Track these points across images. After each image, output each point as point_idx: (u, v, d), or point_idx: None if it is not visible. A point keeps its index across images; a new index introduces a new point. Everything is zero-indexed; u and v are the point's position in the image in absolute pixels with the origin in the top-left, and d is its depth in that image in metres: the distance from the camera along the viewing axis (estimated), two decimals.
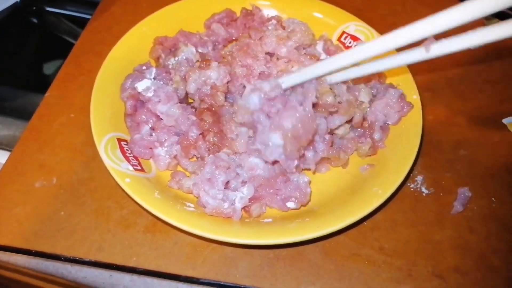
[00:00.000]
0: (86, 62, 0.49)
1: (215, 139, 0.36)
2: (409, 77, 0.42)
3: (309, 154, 0.35)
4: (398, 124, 0.41)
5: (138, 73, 0.40)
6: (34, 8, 0.65)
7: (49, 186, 0.39)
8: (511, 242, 0.38)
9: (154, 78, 0.40)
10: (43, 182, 0.40)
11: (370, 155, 0.40)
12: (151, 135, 0.38)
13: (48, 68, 0.67)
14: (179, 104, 0.38)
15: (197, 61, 0.41)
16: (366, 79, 0.41)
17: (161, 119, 0.38)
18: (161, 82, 0.39)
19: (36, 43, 0.67)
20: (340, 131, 0.38)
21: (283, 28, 0.43)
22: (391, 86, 0.41)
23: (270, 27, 0.43)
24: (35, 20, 0.66)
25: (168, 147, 0.37)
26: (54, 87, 0.47)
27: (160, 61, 0.43)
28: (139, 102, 0.39)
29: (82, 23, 0.55)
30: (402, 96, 0.40)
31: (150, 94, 0.38)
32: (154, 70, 0.40)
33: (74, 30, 0.65)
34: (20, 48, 0.65)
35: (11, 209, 0.38)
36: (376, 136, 0.40)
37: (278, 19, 0.45)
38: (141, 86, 0.38)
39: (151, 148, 0.37)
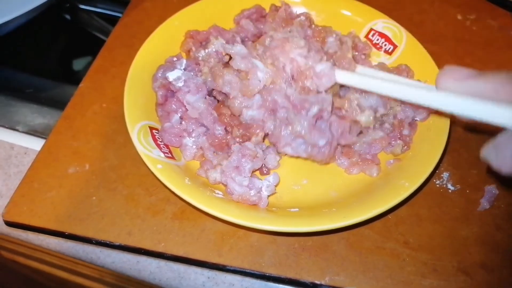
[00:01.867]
0: (118, 55, 0.50)
1: (241, 131, 0.36)
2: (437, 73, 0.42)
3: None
4: (426, 120, 0.41)
5: (170, 64, 0.41)
6: (68, 5, 0.68)
7: (82, 172, 0.41)
8: None
9: (185, 69, 0.41)
10: (76, 168, 0.41)
11: (404, 153, 0.40)
12: (180, 123, 0.39)
13: (77, 64, 0.70)
14: (207, 97, 0.39)
15: (226, 54, 0.42)
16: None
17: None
18: (191, 73, 0.40)
19: (68, 39, 0.69)
20: (363, 118, 0.37)
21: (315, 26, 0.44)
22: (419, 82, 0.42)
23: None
24: (68, 17, 0.69)
25: (195, 138, 0.38)
26: (87, 78, 0.48)
27: (190, 54, 0.44)
28: (170, 92, 0.40)
29: (112, 21, 0.57)
30: None
31: (180, 84, 0.39)
32: (184, 61, 0.41)
33: (104, 27, 0.67)
34: (53, 43, 0.68)
35: (46, 193, 0.40)
36: (405, 132, 0.40)
37: (307, 16, 0.46)
38: (172, 75, 0.39)
39: (180, 136, 0.38)
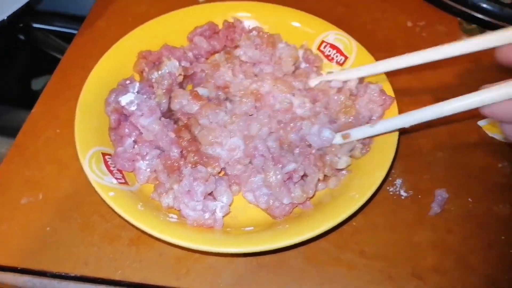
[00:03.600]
0: (72, 76, 0.49)
1: (195, 158, 0.36)
2: (385, 80, 0.43)
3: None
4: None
5: (122, 88, 0.41)
6: (21, 25, 0.66)
7: (35, 202, 0.40)
8: (488, 240, 0.39)
9: (138, 92, 0.41)
10: (29, 198, 0.40)
11: (365, 154, 0.41)
12: (133, 147, 0.39)
13: (36, 84, 0.68)
14: (161, 119, 0.39)
15: (180, 74, 0.42)
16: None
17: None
18: (144, 96, 0.40)
19: (24, 60, 0.67)
20: (341, 165, 0.39)
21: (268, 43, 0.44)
22: (370, 83, 0.42)
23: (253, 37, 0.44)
24: (22, 37, 0.67)
25: (149, 161, 0.38)
26: (40, 103, 0.47)
27: (143, 74, 0.44)
28: (123, 116, 0.40)
29: (70, 39, 0.56)
30: (382, 90, 0.41)
31: (133, 107, 0.39)
32: (137, 84, 0.41)
33: (61, 46, 0.66)
34: (8, 64, 0.66)
35: None
36: None
37: (259, 30, 0.46)
38: (124, 100, 0.39)
39: (133, 160, 0.38)
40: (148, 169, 0.38)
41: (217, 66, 0.42)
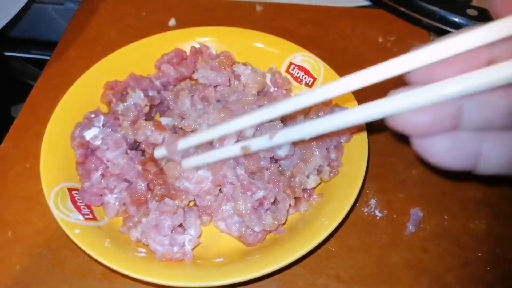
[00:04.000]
0: (41, 109, 0.49)
1: (162, 190, 0.36)
2: (354, 102, 0.43)
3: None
4: (350, 141, 0.41)
5: (87, 121, 0.40)
6: None
7: (3, 240, 0.39)
8: (464, 258, 0.39)
9: (103, 126, 0.40)
10: None
11: (333, 177, 0.40)
12: (101, 181, 0.38)
13: (15, 111, 0.67)
14: (127, 152, 0.38)
15: (146, 105, 0.42)
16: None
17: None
18: (109, 130, 0.40)
19: (1, 88, 0.67)
20: (311, 184, 0.39)
21: (234, 73, 0.44)
22: (337, 105, 0.42)
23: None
24: None
25: (117, 194, 0.38)
26: (9, 137, 0.47)
27: (111, 105, 0.44)
28: (89, 150, 0.40)
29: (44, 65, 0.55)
30: None
31: (98, 142, 0.39)
32: (102, 117, 0.40)
33: (38, 73, 0.65)
34: None
35: None
36: (332, 156, 0.40)
37: (227, 55, 0.46)
38: (89, 134, 0.39)
39: (101, 195, 0.38)
40: (117, 203, 0.38)
41: (177, 95, 0.41)
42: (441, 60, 0.22)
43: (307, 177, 0.38)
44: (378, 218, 0.41)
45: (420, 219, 0.41)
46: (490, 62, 0.21)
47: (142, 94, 0.41)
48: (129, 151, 0.39)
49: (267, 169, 0.37)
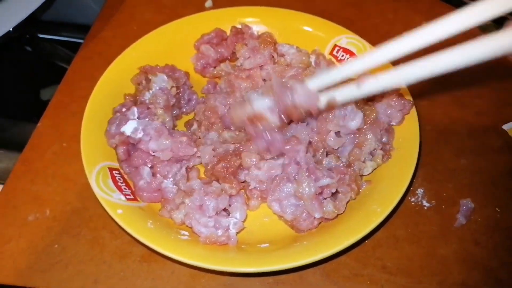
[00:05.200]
0: (78, 88, 0.48)
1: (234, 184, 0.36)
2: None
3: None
4: (401, 124, 0.40)
5: (121, 116, 0.38)
6: (27, 36, 0.65)
7: (42, 219, 0.39)
8: None
9: (138, 117, 0.38)
10: (37, 215, 0.39)
11: (386, 161, 0.39)
12: (153, 175, 0.37)
13: (45, 94, 0.67)
14: (171, 130, 0.37)
15: (172, 86, 0.40)
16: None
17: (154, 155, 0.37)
18: (147, 119, 0.38)
19: (32, 70, 0.67)
20: (368, 171, 0.38)
21: (276, 51, 0.43)
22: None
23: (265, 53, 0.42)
24: (29, 48, 0.67)
25: (173, 177, 0.36)
26: (46, 116, 0.46)
27: (140, 87, 0.42)
28: (131, 145, 0.38)
29: (76, 48, 0.55)
30: (400, 94, 0.39)
31: (140, 134, 0.37)
32: (135, 109, 0.38)
33: (68, 55, 0.65)
34: (16, 76, 0.65)
35: (3, 245, 0.37)
36: (384, 139, 0.39)
37: (269, 36, 0.45)
38: (128, 129, 0.37)
39: (159, 189, 0.36)
40: (175, 186, 0.37)
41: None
42: None
43: (364, 162, 0.36)
44: (425, 208, 0.40)
45: (471, 211, 0.39)
46: None
47: (165, 76, 0.39)
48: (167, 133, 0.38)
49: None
